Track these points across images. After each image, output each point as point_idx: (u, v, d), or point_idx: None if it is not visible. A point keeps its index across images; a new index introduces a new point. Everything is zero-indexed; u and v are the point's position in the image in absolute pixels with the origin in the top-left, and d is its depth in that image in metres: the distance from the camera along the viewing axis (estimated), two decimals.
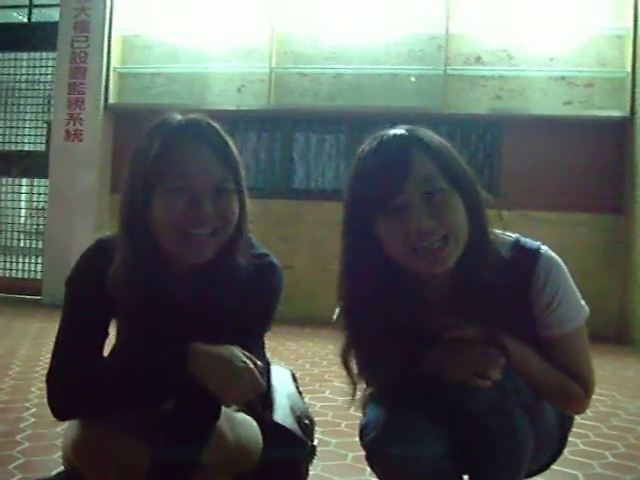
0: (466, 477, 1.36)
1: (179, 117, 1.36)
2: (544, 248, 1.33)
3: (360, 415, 1.41)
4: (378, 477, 1.36)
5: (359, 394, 1.40)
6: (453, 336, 1.25)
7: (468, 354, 1.22)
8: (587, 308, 1.34)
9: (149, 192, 1.30)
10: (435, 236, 1.21)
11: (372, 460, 1.33)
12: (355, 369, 1.37)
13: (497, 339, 1.24)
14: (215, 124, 1.36)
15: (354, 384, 1.37)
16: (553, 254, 1.33)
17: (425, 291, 1.33)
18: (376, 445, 1.30)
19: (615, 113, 5.87)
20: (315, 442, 1.68)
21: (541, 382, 1.30)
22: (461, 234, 1.23)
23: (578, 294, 1.34)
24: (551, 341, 1.32)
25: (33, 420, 2.46)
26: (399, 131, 1.28)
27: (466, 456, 1.28)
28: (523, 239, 1.35)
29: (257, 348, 1.47)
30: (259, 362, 1.30)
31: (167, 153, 1.30)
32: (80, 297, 1.41)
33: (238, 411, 1.49)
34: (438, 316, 1.29)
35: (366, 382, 1.39)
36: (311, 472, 1.74)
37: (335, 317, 1.43)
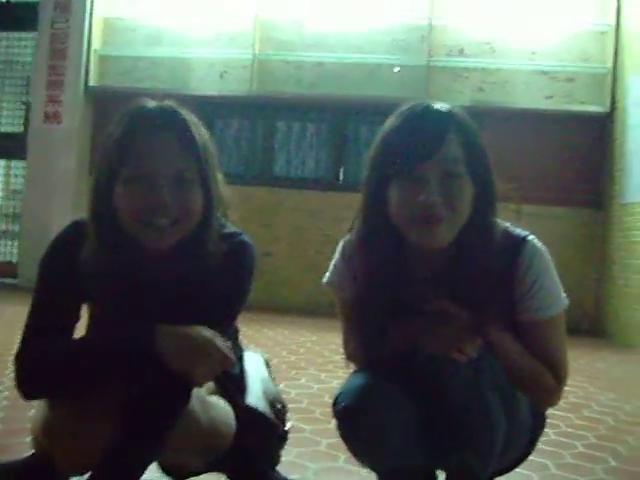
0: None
1: (149, 104, 1.34)
2: (531, 237, 1.37)
3: None
4: (347, 447, 1.36)
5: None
6: (433, 309, 1.27)
7: (446, 327, 1.25)
8: (567, 300, 1.37)
9: (112, 178, 1.30)
10: (436, 211, 1.25)
11: (342, 429, 1.33)
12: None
13: (484, 320, 1.27)
14: (183, 112, 1.35)
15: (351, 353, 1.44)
16: (540, 244, 1.37)
17: (423, 267, 1.36)
18: (347, 415, 1.31)
19: (596, 108, 5.92)
20: (287, 426, 1.69)
21: (516, 367, 1.32)
22: (459, 220, 1.28)
23: (560, 285, 1.37)
24: (529, 326, 1.35)
25: (5, 403, 2.44)
26: (443, 107, 1.31)
27: (438, 432, 1.28)
28: (512, 227, 1.39)
29: (229, 329, 1.46)
30: (228, 342, 1.30)
31: (128, 141, 1.29)
32: (52, 278, 1.40)
33: (211, 394, 1.49)
34: (427, 291, 1.31)
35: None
36: (285, 458, 1.74)
37: (326, 280, 1.50)
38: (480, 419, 1.23)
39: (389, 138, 1.31)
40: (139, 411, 1.27)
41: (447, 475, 1.35)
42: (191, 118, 1.35)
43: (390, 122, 1.33)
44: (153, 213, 1.28)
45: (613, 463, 2.19)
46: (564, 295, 1.37)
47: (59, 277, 1.38)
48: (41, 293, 1.41)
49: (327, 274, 1.51)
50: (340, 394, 1.33)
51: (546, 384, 1.36)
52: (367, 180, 1.36)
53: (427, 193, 1.24)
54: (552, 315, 1.35)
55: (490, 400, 1.25)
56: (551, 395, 1.39)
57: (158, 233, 1.30)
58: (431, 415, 1.27)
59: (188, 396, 1.31)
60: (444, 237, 1.28)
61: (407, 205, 1.27)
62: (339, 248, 1.49)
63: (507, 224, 1.40)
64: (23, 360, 1.35)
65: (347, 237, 1.47)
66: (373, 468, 1.39)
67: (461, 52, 6.15)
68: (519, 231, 1.38)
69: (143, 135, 1.30)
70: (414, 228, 1.28)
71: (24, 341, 1.37)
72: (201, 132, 1.36)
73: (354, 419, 1.30)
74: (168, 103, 1.36)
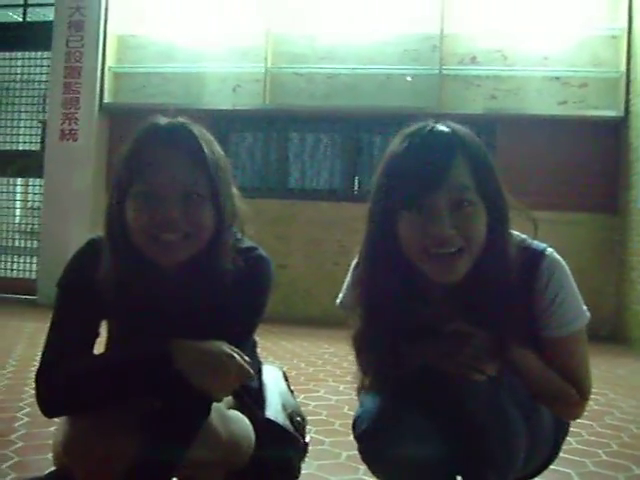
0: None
1: (161, 121, 1.35)
2: (550, 250, 1.33)
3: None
4: (369, 469, 1.36)
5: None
6: (452, 329, 1.24)
7: (465, 347, 1.21)
8: (588, 314, 1.33)
9: (123, 195, 1.31)
10: (452, 247, 1.21)
11: (363, 453, 1.34)
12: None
13: (503, 339, 1.24)
14: (195, 128, 1.35)
15: (364, 373, 1.38)
16: (558, 257, 1.33)
17: (434, 289, 1.33)
18: (368, 438, 1.31)
19: (609, 113, 5.88)
20: (307, 439, 1.69)
21: (538, 384, 1.30)
22: (476, 249, 1.23)
23: (580, 299, 1.33)
24: (550, 343, 1.32)
25: (27, 419, 2.46)
26: (445, 129, 1.26)
27: (457, 450, 1.28)
28: (530, 240, 1.35)
29: (247, 343, 1.47)
30: (246, 357, 1.30)
31: (138, 158, 1.30)
32: (71, 297, 1.41)
33: (231, 408, 1.49)
34: (442, 312, 1.28)
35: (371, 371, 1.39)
36: (305, 471, 1.74)
37: (339, 301, 1.47)
38: (500, 437, 1.23)
39: (393, 168, 1.27)
40: (159, 426, 1.28)
41: None
42: (203, 134, 1.36)
43: (393, 149, 1.29)
44: (161, 229, 1.29)
45: (637, 471, 2.17)
46: (585, 308, 1.33)
47: (77, 296, 1.39)
48: (60, 311, 1.42)
49: (340, 295, 1.49)
50: (359, 417, 1.33)
51: (569, 399, 1.33)
52: (372, 211, 1.31)
53: (439, 226, 1.20)
54: (573, 331, 1.31)
55: (510, 417, 1.24)
56: (575, 409, 1.37)
57: (167, 248, 1.31)
58: (450, 432, 1.26)
59: (207, 410, 1.32)
60: (461, 270, 1.24)
61: (419, 239, 1.22)
62: (351, 268, 1.46)
63: (524, 236, 1.35)
64: (44, 377, 1.36)
65: (357, 259, 1.43)
66: None
67: (473, 60, 6.15)
68: (536, 244, 1.34)
69: (153, 152, 1.31)
70: (429, 263, 1.24)
71: (44, 358, 1.38)
72: (213, 148, 1.36)
73: (375, 442, 1.30)
74: (180, 120, 1.36)
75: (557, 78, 6.03)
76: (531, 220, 1.33)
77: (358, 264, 1.40)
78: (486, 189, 1.24)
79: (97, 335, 1.44)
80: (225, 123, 6.51)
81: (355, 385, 1.43)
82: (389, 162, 1.28)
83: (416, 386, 1.27)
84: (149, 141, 1.32)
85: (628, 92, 5.79)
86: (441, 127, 1.26)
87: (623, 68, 5.82)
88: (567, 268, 1.33)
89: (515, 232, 1.34)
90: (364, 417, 1.32)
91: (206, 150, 1.32)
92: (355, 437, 1.34)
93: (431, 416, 1.27)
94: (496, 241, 1.25)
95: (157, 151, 1.31)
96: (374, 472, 1.36)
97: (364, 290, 1.35)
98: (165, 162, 1.30)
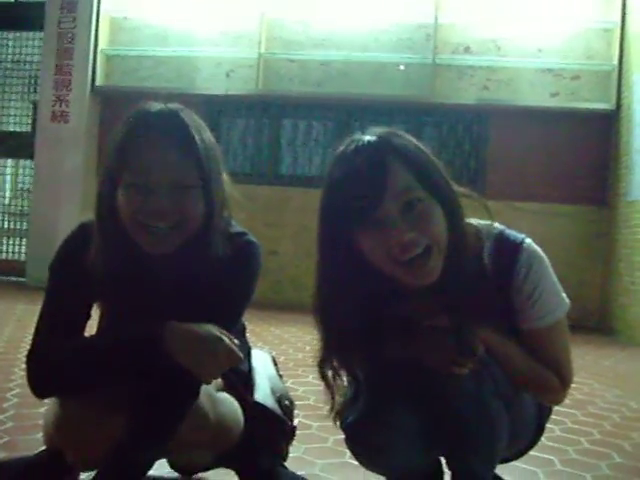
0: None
1: (152, 107, 1.34)
2: (527, 241, 1.32)
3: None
4: (357, 460, 1.39)
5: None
6: (432, 324, 1.24)
7: (446, 342, 1.22)
8: (567, 301, 1.33)
9: (114, 182, 1.31)
10: (418, 248, 1.19)
11: (350, 444, 1.37)
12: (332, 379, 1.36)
13: (470, 329, 1.24)
14: (185, 115, 1.33)
15: (332, 395, 1.36)
16: (536, 247, 1.32)
17: (406, 288, 1.31)
18: (354, 430, 1.34)
19: (601, 106, 5.91)
20: (295, 423, 1.71)
21: (519, 373, 1.31)
22: (442, 243, 1.22)
23: (559, 287, 1.33)
24: (531, 334, 1.32)
25: (16, 400, 2.47)
26: (372, 138, 1.24)
27: (442, 441, 1.31)
28: (507, 231, 1.34)
29: (236, 326, 1.48)
30: (235, 339, 1.31)
31: (127, 146, 1.30)
32: (62, 280, 1.43)
33: (220, 391, 1.51)
34: (418, 305, 1.28)
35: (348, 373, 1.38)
36: (293, 455, 1.76)
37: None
38: (483, 429, 1.25)
39: (333, 190, 1.25)
40: (147, 407, 1.29)
41: (452, 476, 1.38)
42: (193, 121, 1.34)
43: (329, 171, 1.27)
44: (150, 218, 1.29)
45: (618, 459, 2.20)
46: (564, 297, 1.33)
47: (69, 280, 1.41)
48: (51, 294, 1.43)
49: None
50: (346, 410, 1.35)
51: (550, 386, 1.34)
52: (323, 236, 1.31)
53: (397, 232, 1.18)
54: (554, 321, 1.31)
55: (493, 409, 1.26)
56: (556, 395, 1.38)
57: (156, 238, 1.31)
58: (434, 422, 1.28)
59: (196, 392, 1.34)
60: (435, 269, 1.22)
61: (384, 251, 1.20)
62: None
63: (501, 227, 1.34)
64: (34, 358, 1.38)
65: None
66: (382, 474, 1.44)
67: (467, 50, 6.15)
68: (514, 236, 1.33)
69: (143, 140, 1.30)
70: (400, 270, 1.21)
71: (35, 340, 1.40)
72: (204, 135, 1.35)
73: (361, 434, 1.32)
74: (171, 106, 1.35)
75: (550, 70, 6.04)
76: (484, 206, 1.31)
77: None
78: (430, 183, 1.22)
79: (88, 317, 1.45)
80: (217, 108, 6.49)
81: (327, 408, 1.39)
82: (327, 182, 1.26)
83: (400, 380, 1.28)
84: (139, 129, 1.31)
85: (620, 85, 5.82)
86: (367, 137, 1.24)
87: (615, 61, 5.85)
88: (545, 258, 1.32)
89: (494, 223, 1.34)
90: (351, 410, 1.34)
91: (197, 139, 1.31)
92: (342, 429, 1.37)
93: (415, 408, 1.29)
94: (455, 230, 1.24)
95: (147, 140, 1.30)
96: (361, 462, 1.40)
97: (324, 313, 1.35)
98: (155, 151, 1.29)
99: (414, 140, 1.27)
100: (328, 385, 1.36)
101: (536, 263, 1.30)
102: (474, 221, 1.34)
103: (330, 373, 1.35)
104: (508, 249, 1.30)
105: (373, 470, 1.42)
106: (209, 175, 1.33)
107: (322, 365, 1.35)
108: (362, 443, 1.35)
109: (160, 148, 1.29)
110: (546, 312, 1.30)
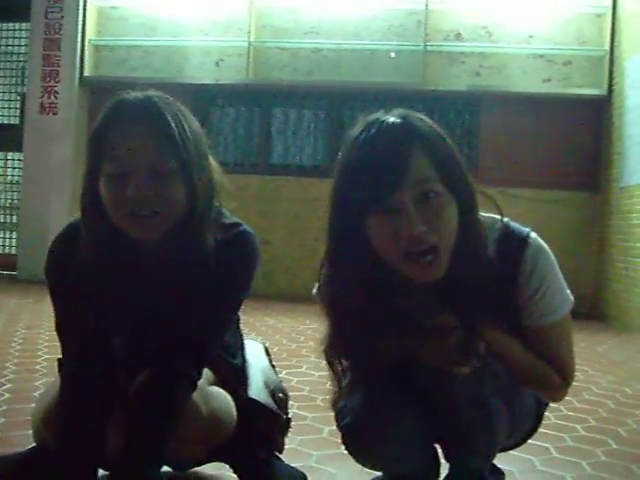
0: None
1: (128, 96, 1.32)
2: (533, 236, 1.27)
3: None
4: (354, 459, 1.38)
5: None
6: (435, 323, 1.22)
7: (448, 341, 1.19)
8: (572, 298, 1.31)
9: (95, 173, 1.30)
10: (424, 244, 1.14)
11: (348, 444, 1.35)
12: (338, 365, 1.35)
13: (476, 328, 1.21)
14: (163, 102, 1.31)
15: (338, 383, 1.35)
16: (542, 242, 1.28)
17: (411, 283, 1.27)
18: (351, 430, 1.32)
19: (593, 91, 5.91)
20: (289, 415, 1.70)
21: (521, 370, 1.30)
22: (449, 242, 1.17)
23: (564, 283, 1.30)
24: (535, 331, 1.30)
25: (8, 396, 2.45)
26: (397, 120, 1.17)
27: (441, 439, 1.30)
28: (512, 225, 1.29)
29: (234, 315, 1.46)
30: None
31: (104, 135, 1.29)
32: (62, 287, 1.42)
33: (212, 385, 1.49)
34: (421, 303, 1.25)
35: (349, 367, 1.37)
36: (288, 446, 1.75)
37: (314, 292, 1.38)
38: (483, 428, 1.25)
39: (350, 171, 1.18)
40: (142, 404, 1.28)
41: (450, 471, 1.37)
42: (171, 108, 1.32)
43: (347, 151, 1.20)
44: (133, 206, 1.28)
45: (614, 445, 2.20)
46: (569, 293, 1.30)
47: (67, 285, 1.40)
48: (59, 305, 1.44)
49: (316, 285, 1.38)
50: (343, 408, 1.33)
51: (552, 383, 1.32)
52: (334, 216, 1.23)
53: (408, 224, 1.13)
54: (557, 318, 1.29)
55: (492, 406, 1.25)
56: (557, 392, 1.37)
57: (141, 225, 1.30)
58: (433, 420, 1.28)
59: (191, 390, 1.33)
60: (440, 270, 1.18)
61: (391, 241, 1.16)
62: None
63: (505, 220, 1.29)
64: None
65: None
66: (379, 471, 1.44)
67: (458, 36, 6.12)
68: (519, 230, 1.28)
69: (119, 128, 1.29)
70: (406, 265, 1.17)
71: (67, 351, 1.43)
72: (182, 121, 1.32)
73: (359, 434, 1.31)
74: (148, 93, 1.33)
75: (541, 56, 6.02)
76: (495, 204, 1.27)
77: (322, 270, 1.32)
78: (450, 177, 1.17)
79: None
80: (208, 97, 6.43)
81: (329, 397, 1.39)
82: (344, 168, 1.20)
83: (399, 377, 1.27)
84: (115, 118, 1.30)
85: (612, 70, 5.80)
86: (392, 119, 1.17)
87: (607, 46, 5.83)
88: (551, 254, 1.28)
89: (497, 215, 1.29)
90: (348, 409, 1.32)
91: (173, 124, 1.29)
92: (339, 429, 1.35)
93: (414, 408, 1.28)
94: (468, 229, 1.20)
95: (123, 128, 1.29)
96: (359, 461, 1.38)
97: (333, 300, 1.30)
98: (131, 139, 1.28)
99: (437, 126, 1.21)
100: (335, 372, 1.34)
101: (542, 259, 1.26)
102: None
103: (337, 360, 1.33)
104: (513, 244, 1.26)
105: (370, 468, 1.42)
106: (188, 160, 1.30)
107: (328, 351, 1.33)
108: (360, 445, 1.34)
109: (136, 135, 1.28)
110: (551, 310, 1.28)
